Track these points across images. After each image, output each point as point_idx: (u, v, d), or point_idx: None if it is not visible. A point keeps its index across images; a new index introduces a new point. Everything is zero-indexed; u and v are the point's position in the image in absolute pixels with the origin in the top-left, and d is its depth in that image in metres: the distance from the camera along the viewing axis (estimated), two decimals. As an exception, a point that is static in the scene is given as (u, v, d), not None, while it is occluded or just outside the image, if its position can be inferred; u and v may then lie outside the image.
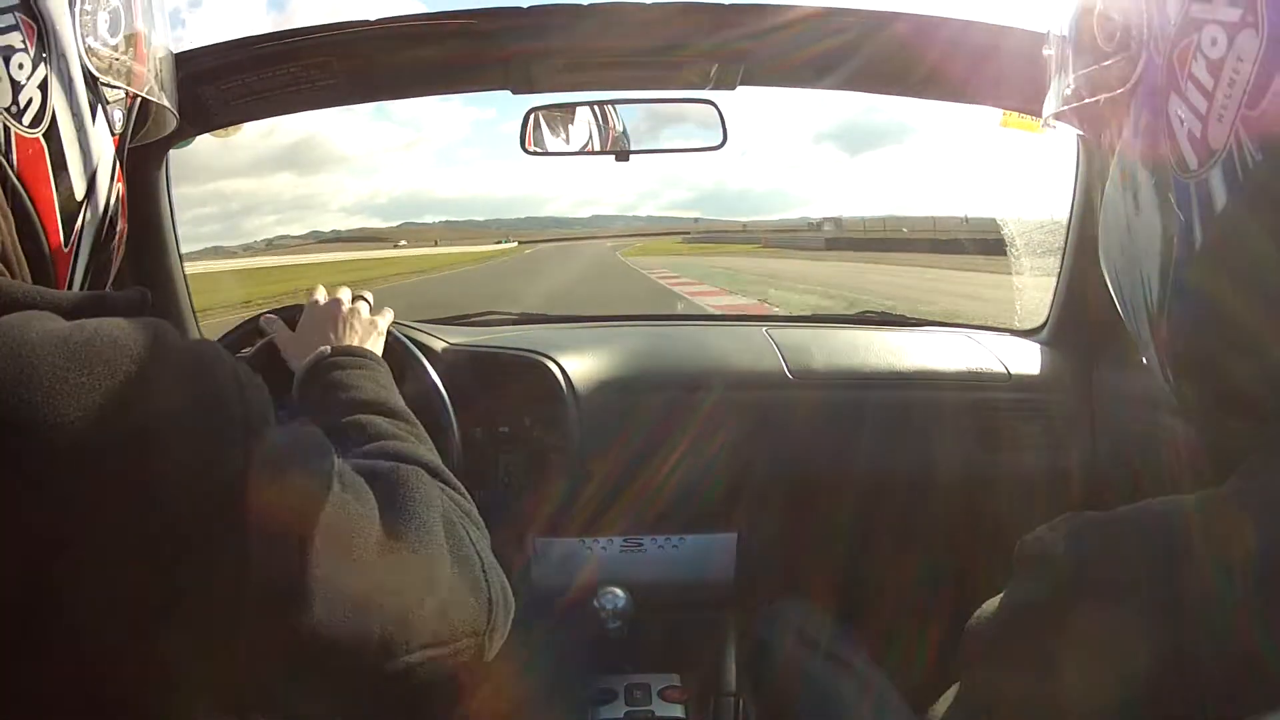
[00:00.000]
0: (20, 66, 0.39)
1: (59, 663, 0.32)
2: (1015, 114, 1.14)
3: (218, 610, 0.34)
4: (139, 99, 0.49)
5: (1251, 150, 0.32)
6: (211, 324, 1.28)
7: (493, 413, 1.07)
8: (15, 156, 0.39)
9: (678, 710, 1.04)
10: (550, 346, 1.11)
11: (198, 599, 0.34)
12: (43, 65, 0.40)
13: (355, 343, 0.72)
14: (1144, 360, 0.44)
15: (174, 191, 1.12)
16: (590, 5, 0.94)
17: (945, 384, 1.15)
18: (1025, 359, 1.19)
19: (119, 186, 0.47)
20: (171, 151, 1.09)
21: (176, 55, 0.54)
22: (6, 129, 0.39)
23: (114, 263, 0.49)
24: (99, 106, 0.44)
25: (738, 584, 1.13)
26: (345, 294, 0.79)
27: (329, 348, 0.68)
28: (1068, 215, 1.16)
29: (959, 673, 0.44)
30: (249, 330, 0.96)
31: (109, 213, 0.46)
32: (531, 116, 1.10)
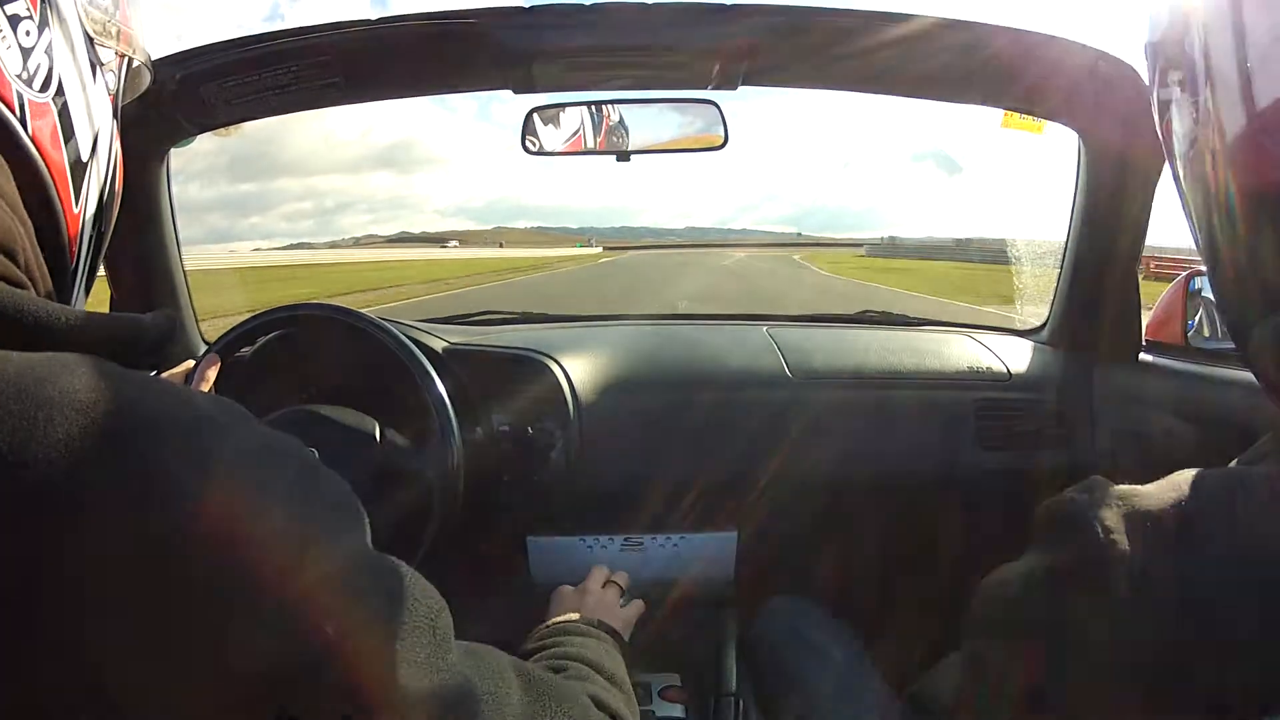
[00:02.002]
0: (28, 33, 0.38)
1: None
2: (1015, 115, 1.14)
3: None
4: (127, 60, 0.49)
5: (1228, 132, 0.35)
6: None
7: (493, 412, 1.07)
8: (30, 123, 0.39)
9: (678, 710, 1.04)
10: (550, 346, 1.11)
11: None
12: (46, 29, 0.40)
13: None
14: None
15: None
16: (591, 5, 0.94)
17: (946, 383, 1.15)
18: (1026, 358, 1.19)
19: (116, 146, 0.48)
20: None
21: (176, 55, 0.55)
22: (20, 96, 0.38)
23: (111, 224, 0.49)
24: (98, 67, 0.44)
25: (738, 583, 1.13)
26: (599, 576, 0.84)
27: (576, 615, 0.72)
28: (1068, 216, 1.16)
29: (965, 637, 0.43)
30: (251, 329, 0.96)
31: (110, 172, 0.47)
32: (533, 116, 1.10)
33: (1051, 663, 0.37)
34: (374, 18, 0.96)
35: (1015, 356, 1.19)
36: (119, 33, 0.46)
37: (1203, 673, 0.33)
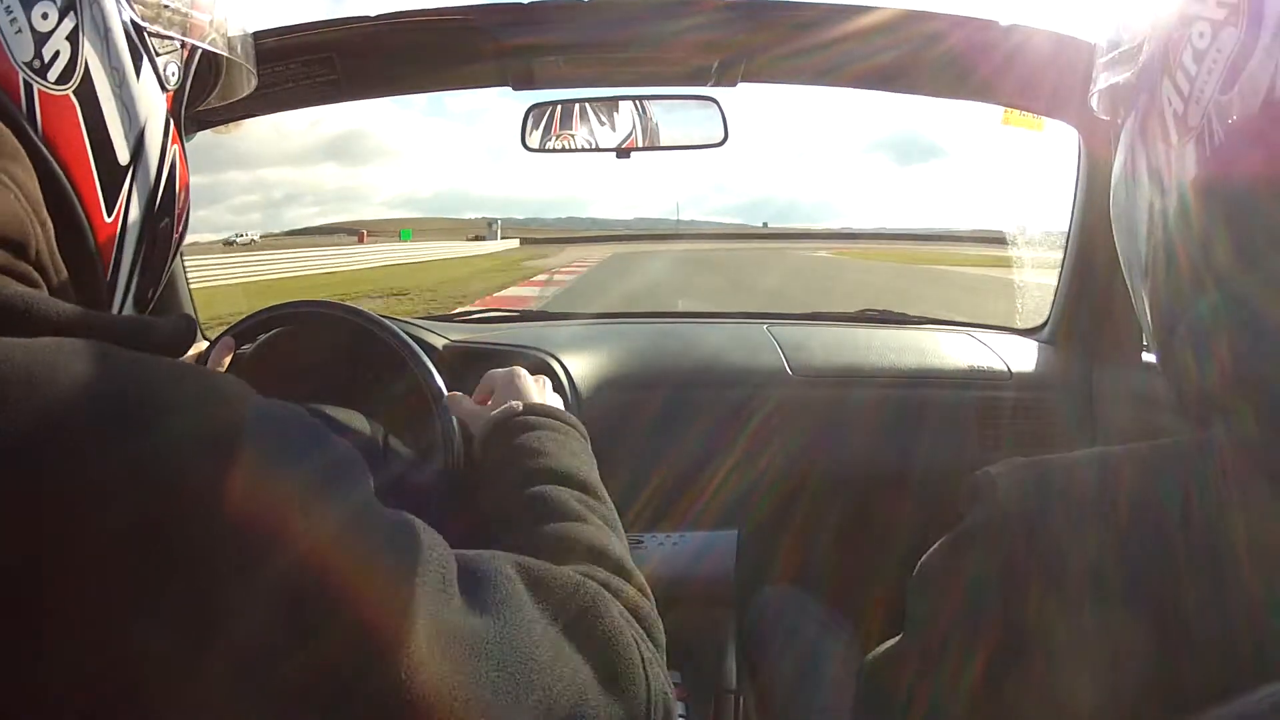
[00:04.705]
0: (45, 16, 0.35)
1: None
2: (1015, 112, 1.14)
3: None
4: (198, 52, 0.44)
5: (1217, 129, 0.37)
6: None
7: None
8: (40, 117, 0.35)
9: (678, 708, 1.04)
10: (551, 344, 1.11)
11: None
12: (73, 13, 0.36)
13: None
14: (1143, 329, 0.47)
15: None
16: (590, 1, 0.93)
17: (946, 382, 1.15)
18: (1026, 358, 1.19)
19: (175, 149, 0.43)
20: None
21: None
22: (29, 86, 0.35)
23: (176, 233, 0.45)
24: (144, 59, 0.40)
25: (738, 581, 1.13)
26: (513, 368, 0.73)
27: (520, 404, 0.62)
28: (1069, 214, 1.16)
29: (907, 609, 0.45)
30: (266, 320, 0.95)
31: (163, 177, 0.43)
32: (533, 113, 1.10)
33: (970, 617, 0.38)
34: (373, 14, 0.96)
35: (1016, 355, 1.19)
36: (184, 20, 0.42)
37: (1134, 646, 0.34)
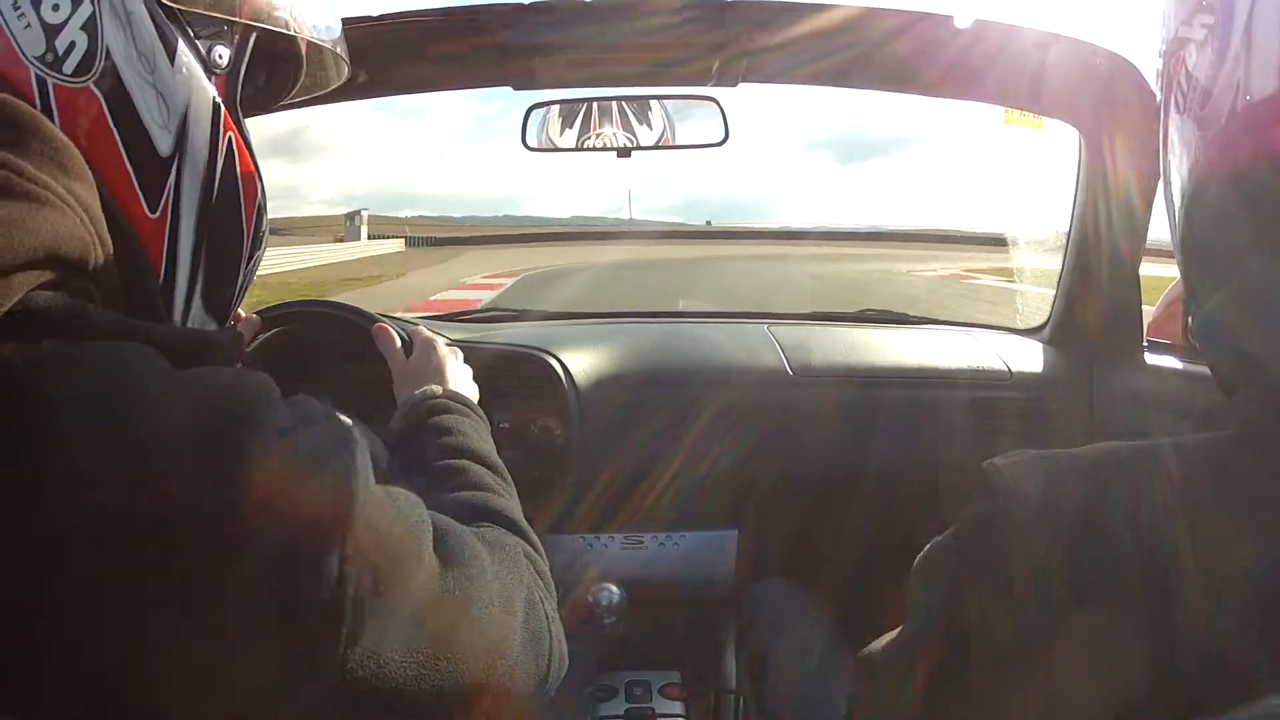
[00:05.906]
0: (56, 8, 0.33)
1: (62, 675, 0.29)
2: (1016, 112, 1.14)
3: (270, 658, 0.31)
4: (252, 33, 0.41)
5: (1198, 146, 0.40)
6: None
7: (494, 409, 1.06)
8: (57, 112, 0.34)
9: (678, 708, 1.04)
10: (552, 343, 1.11)
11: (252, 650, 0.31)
12: (88, 0, 0.34)
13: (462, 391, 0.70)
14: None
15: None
16: (592, 1, 0.93)
17: (946, 382, 1.15)
18: (1026, 357, 1.19)
19: (230, 136, 0.40)
20: None
21: None
22: (42, 81, 0.33)
23: (247, 225, 0.42)
24: (179, 41, 0.37)
25: (738, 581, 1.13)
26: (441, 341, 0.76)
27: (440, 387, 0.66)
28: (1070, 214, 1.16)
29: (907, 598, 0.46)
30: (285, 314, 0.95)
31: (217, 167, 0.40)
32: (536, 112, 1.09)
33: (970, 604, 0.38)
34: (374, 14, 0.95)
35: (1016, 355, 1.19)
36: (231, 1, 0.39)
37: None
